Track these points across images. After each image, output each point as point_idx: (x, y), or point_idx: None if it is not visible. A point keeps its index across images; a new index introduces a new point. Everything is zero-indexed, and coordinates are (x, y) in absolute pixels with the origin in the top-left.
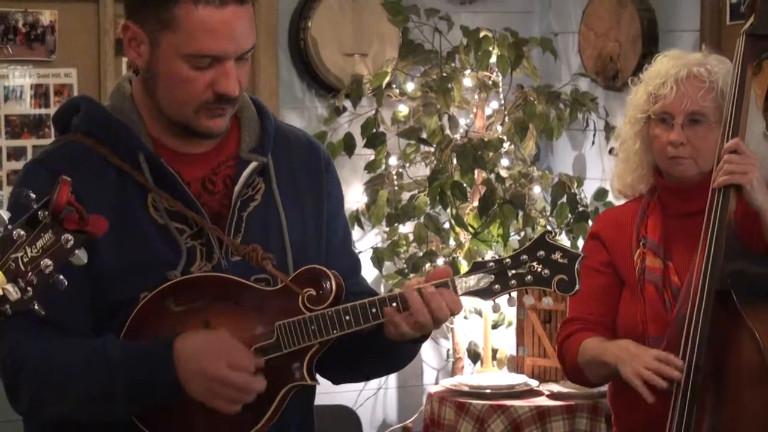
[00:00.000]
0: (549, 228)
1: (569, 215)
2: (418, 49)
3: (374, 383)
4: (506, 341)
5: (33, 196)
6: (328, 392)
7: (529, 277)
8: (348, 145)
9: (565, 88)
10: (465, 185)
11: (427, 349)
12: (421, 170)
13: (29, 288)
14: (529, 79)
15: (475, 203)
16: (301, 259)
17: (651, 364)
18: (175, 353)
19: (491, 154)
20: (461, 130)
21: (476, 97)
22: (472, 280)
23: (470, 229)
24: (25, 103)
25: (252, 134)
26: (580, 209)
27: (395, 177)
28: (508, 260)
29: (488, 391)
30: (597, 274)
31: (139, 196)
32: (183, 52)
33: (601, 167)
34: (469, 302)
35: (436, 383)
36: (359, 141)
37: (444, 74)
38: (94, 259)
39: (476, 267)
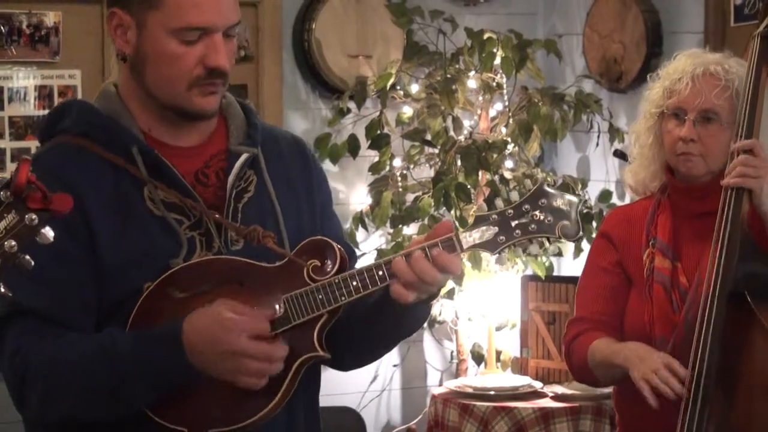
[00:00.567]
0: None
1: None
2: (423, 50)
3: (378, 385)
4: (510, 343)
5: None
6: (332, 394)
7: (532, 225)
8: (352, 146)
9: (569, 90)
10: (469, 187)
11: (431, 351)
12: (425, 172)
13: None
14: (534, 80)
15: (480, 205)
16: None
17: (660, 371)
18: (186, 338)
19: (495, 155)
20: (465, 132)
21: (480, 98)
22: (476, 234)
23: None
24: (29, 104)
25: (239, 128)
26: (584, 211)
27: (399, 178)
28: (510, 211)
29: (492, 392)
30: (605, 274)
31: (136, 190)
32: (171, 26)
33: (605, 169)
34: (471, 304)
35: (440, 385)
36: (363, 142)
37: (448, 76)
38: (95, 255)
39: (479, 220)
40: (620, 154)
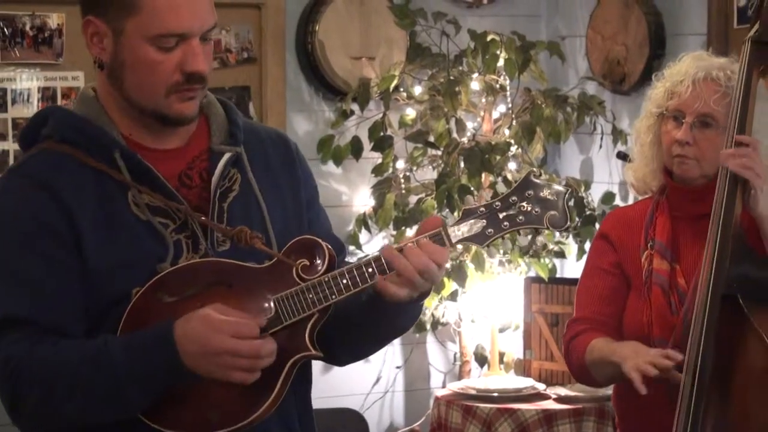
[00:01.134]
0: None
1: (576, 219)
2: (426, 52)
3: (381, 387)
4: (513, 344)
5: None
6: (335, 396)
7: (520, 217)
8: (355, 148)
9: (572, 92)
10: (472, 189)
11: (434, 353)
12: (428, 174)
13: None
14: (537, 82)
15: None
16: (285, 244)
17: (655, 359)
18: (178, 340)
19: (498, 157)
20: (468, 134)
21: (483, 100)
22: (464, 227)
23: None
24: (32, 106)
25: (221, 128)
26: (587, 213)
27: (402, 180)
28: (497, 203)
29: (495, 394)
30: (604, 275)
31: (120, 195)
32: (148, 34)
33: (608, 171)
34: (474, 305)
35: (443, 387)
36: (366, 144)
37: (451, 78)
38: (82, 261)
39: (467, 214)
40: (623, 156)
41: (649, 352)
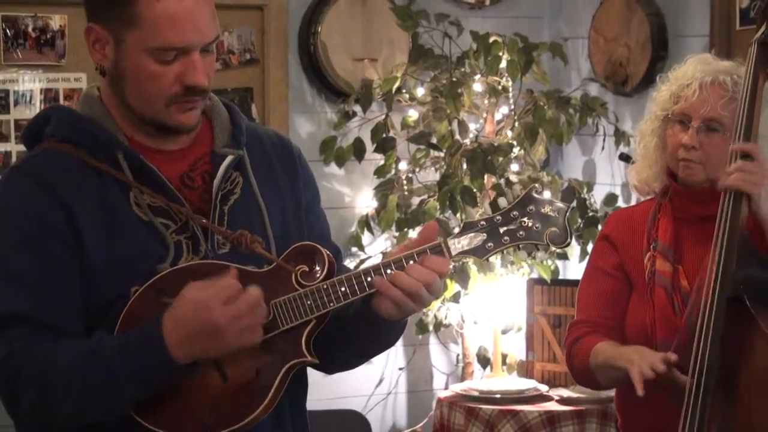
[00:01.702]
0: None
1: (579, 220)
2: (428, 54)
3: (384, 388)
4: (516, 346)
5: None
6: (337, 397)
7: (521, 232)
8: (358, 149)
9: (574, 93)
10: (475, 190)
11: (436, 354)
12: (430, 175)
13: None
14: (539, 84)
15: (485, 208)
16: (284, 249)
17: (655, 364)
18: (167, 332)
19: (501, 159)
20: (471, 135)
21: (486, 102)
22: (464, 240)
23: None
24: (34, 107)
25: (224, 130)
26: (590, 214)
27: (405, 182)
28: (498, 217)
29: (498, 396)
30: (606, 277)
31: (121, 195)
32: (148, 46)
33: (611, 172)
34: (477, 307)
35: (446, 388)
36: (369, 146)
37: (454, 79)
38: (83, 260)
39: (467, 227)
40: (626, 158)
41: (654, 355)
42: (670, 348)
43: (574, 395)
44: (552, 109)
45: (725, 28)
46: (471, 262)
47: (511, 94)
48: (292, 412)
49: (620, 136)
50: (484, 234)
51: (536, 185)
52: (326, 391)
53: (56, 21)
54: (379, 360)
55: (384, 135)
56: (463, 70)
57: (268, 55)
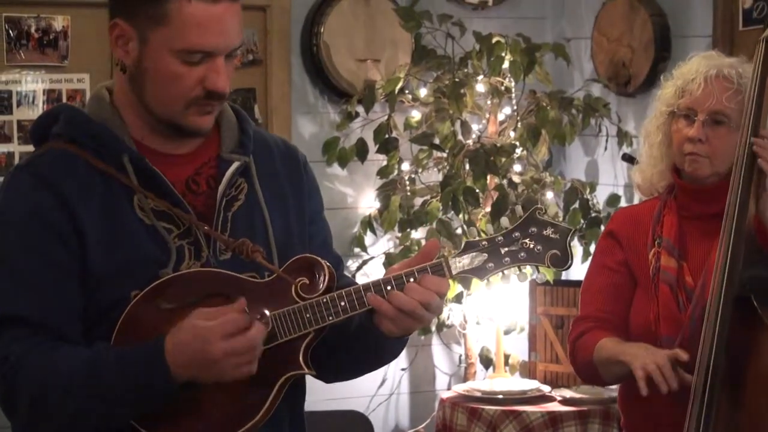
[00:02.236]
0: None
1: (582, 221)
2: (431, 54)
3: (386, 389)
4: (518, 347)
5: None
6: (340, 398)
7: (522, 253)
8: (360, 150)
9: (577, 94)
10: (477, 191)
11: (439, 355)
12: (433, 176)
13: None
14: (542, 84)
15: (488, 209)
16: (286, 258)
17: (663, 366)
18: (169, 355)
19: (504, 159)
20: (474, 136)
21: (489, 102)
22: (465, 260)
23: (482, 234)
24: (37, 108)
25: (232, 136)
26: (593, 215)
27: (408, 182)
28: (500, 238)
29: (500, 396)
30: (611, 273)
31: (125, 198)
32: (174, 47)
33: (614, 173)
34: (479, 307)
35: (449, 389)
36: (372, 146)
37: (456, 80)
38: (84, 262)
39: (468, 246)
40: (629, 158)
41: (661, 352)
42: (674, 344)
43: (577, 396)
44: (555, 109)
45: (728, 29)
46: None
47: (513, 95)
48: (290, 418)
49: (623, 137)
50: (485, 254)
51: (539, 206)
52: (329, 391)
53: (59, 22)
54: None
55: (387, 136)
56: (465, 70)
57: (270, 55)
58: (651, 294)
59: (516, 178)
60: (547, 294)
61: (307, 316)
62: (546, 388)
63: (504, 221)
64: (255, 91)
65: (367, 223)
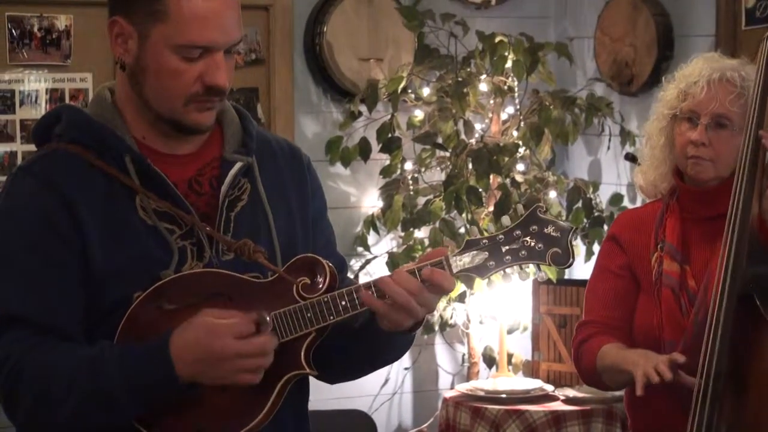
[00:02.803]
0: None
1: (584, 220)
2: (434, 53)
3: (389, 388)
4: (521, 346)
5: None
6: (343, 397)
7: (523, 252)
8: (363, 149)
9: (580, 93)
10: (480, 190)
11: (442, 354)
12: (436, 175)
13: None
14: (545, 83)
15: (491, 208)
16: (289, 258)
17: (659, 365)
18: (174, 352)
19: (507, 158)
20: (477, 135)
21: (492, 101)
22: (466, 258)
23: (485, 234)
24: (40, 107)
25: (235, 136)
26: (596, 214)
27: (411, 182)
28: (501, 236)
29: (503, 395)
30: (614, 277)
31: (128, 199)
32: (173, 43)
33: (617, 172)
34: (482, 307)
35: (452, 388)
36: (375, 146)
37: (459, 79)
38: (86, 263)
39: (470, 245)
40: (631, 158)
41: (659, 358)
42: (677, 348)
43: (580, 395)
44: (557, 109)
45: (731, 28)
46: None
47: (516, 94)
48: (294, 419)
49: (626, 136)
50: (486, 252)
51: (540, 204)
52: (332, 391)
53: (62, 21)
54: None
55: (390, 135)
56: (468, 70)
57: (273, 55)
58: (654, 298)
59: (519, 178)
60: (550, 293)
61: (308, 315)
62: (549, 388)
63: (506, 220)
64: (258, 91)
65: (370, 223)
